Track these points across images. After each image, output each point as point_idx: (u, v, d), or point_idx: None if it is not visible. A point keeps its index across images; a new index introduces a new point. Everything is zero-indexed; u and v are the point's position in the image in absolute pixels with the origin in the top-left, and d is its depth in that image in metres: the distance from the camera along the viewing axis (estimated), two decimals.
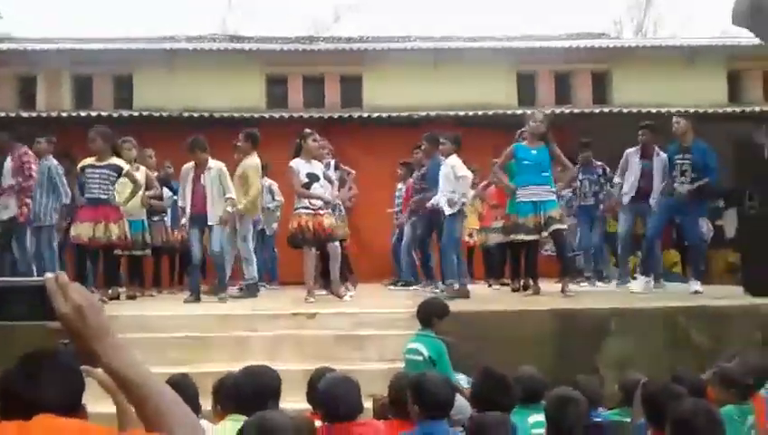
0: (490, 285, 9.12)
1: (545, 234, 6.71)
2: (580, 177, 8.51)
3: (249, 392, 2.84)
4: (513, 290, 7.73)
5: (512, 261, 8.15)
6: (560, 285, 6.84)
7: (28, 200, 7.24)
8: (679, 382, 3.44)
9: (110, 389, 1.63)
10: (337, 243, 7.18)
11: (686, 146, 6.93)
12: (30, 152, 7.32)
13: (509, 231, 7.13)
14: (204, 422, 3.20)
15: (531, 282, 7.15)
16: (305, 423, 2.86)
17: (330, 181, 7.41)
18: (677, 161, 6.92)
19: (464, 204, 7.10)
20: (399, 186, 9.58)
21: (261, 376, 2.93)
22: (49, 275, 1.24)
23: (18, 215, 7.17)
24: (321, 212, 6.83)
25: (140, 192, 7.35)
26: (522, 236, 6.77)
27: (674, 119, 7.05)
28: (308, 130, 7.22)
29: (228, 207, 7.12)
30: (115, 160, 6.97)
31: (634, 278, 7.49)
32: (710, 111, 11.79)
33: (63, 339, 1.27)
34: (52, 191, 7.40)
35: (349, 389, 3.02)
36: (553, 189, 6.80)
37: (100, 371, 1.68)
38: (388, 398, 3.49)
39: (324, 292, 7.39)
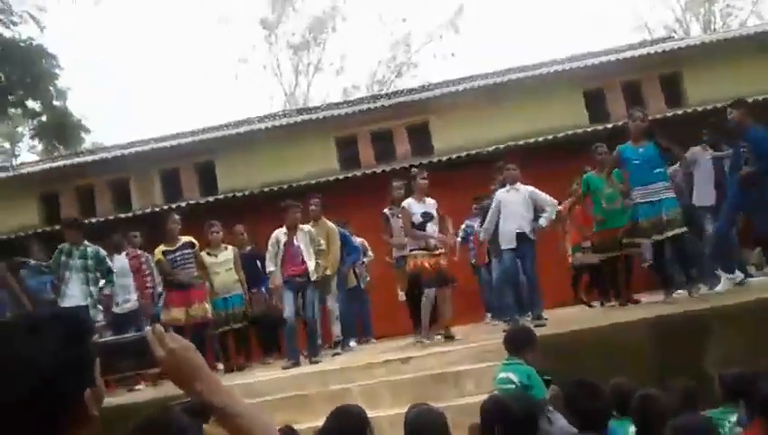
0: (590, 306, 8.86)
1: (661, 237, 6.39)
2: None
3: (339, 431, 2.96)
4: (621, 306, 7.28)
5: (605, 277, 7.88)
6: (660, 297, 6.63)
7: (148, 292, 7.93)
8: None
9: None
10: (454, 285, 7.13)
11: (743, 133, 6.60)
12: (140, 252, 7.97)
13: (609, 247, 7.01)
14: None
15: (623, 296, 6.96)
16: None
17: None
18: (741, 150, 6.60)
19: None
20: (468, 222, 9.63)
21: (345, 415, 3.06)
22: (147, 329, 1.45)
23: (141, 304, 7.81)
24: (437, 253, 6.87)
25: (231, 268, 7.73)
26: (639, 240, 6.57)
27: (729, 109, 6.79)
28: (416, 169, 7.37)
29: (321, 259, 7.34)
30: (186, 238, 7.36)
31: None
32: None
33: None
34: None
35: (433, 419, 3.10)
36: (670, 185, 6.55)
37: (206, 427, 1.88)
38: (480, 426, 3.52)
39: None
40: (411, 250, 6.91)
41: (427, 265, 6.74)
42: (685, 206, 7.94)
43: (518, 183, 7.25)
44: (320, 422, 3.37)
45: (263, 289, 8.79)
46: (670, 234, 6.31)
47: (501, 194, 7.23)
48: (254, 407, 1.51)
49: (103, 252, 7.67)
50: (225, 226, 8.84)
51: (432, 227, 6.93)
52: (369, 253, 9.52)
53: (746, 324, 5.19)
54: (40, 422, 1.20)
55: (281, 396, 5.44)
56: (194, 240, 7.41)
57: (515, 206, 7.08)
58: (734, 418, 3.68)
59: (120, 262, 7.98)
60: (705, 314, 5.37)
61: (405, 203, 7.01)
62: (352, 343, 8.58)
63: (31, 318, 1.30)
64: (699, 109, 11.54)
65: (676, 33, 24.23)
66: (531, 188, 7.22)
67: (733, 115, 6.66)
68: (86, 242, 7.69)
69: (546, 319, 6.78)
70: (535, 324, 6.04)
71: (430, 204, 7.10)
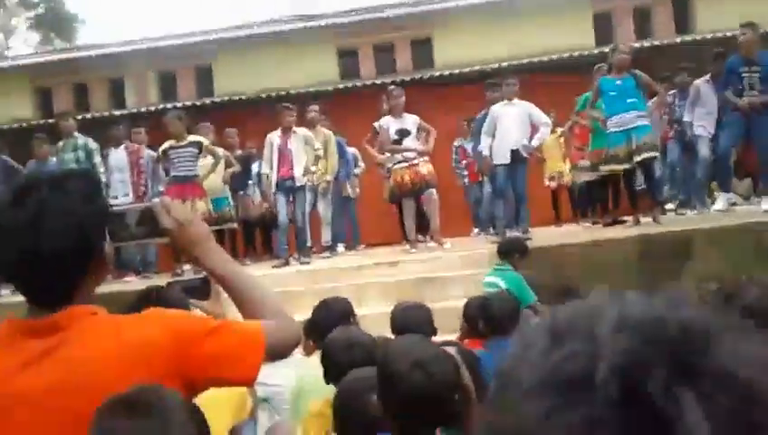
0: (579, 224, 9.01)
1: (631, 164, 6.50)
2: (678, 102, 8.16)
3: (325, 319, 3.08)
4: (605, 226, 7.48)
5: (600, 198, 8.01)
6: (649, 218, 6.74)
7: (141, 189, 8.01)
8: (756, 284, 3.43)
9: (212, 315, 1.89)
10: (433, 190, 7.18)
11: (752, 58, 6.57)
12: (137, 147, 8.00)
13: (598, 166, 7.04)
14: (298, 355, 3.51)
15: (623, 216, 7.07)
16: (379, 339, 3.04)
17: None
18: (744, 74, 6.55)
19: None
20: (458, 142, 9.70)
21: (331, 303, 3.19)
22: (155, 200, 1.52)
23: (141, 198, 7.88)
24: (415, 162, 7.01)
25: (220, 169, 7.74)
26: (612, 167, 6.64)
27: (740, 30, 6.70)
28: (392, 87, 7.42)
29: (312, 166, 7.42)
30: (194, 138, 7.35)
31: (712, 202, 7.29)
32: None
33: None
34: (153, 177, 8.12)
35: (420, 314, 3.22)
36: (644, 113, 6.59)
37: (204, 303, 1.97)
38: (463, 321, 3.67)
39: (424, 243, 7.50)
40: (393, 165, 7.09)
41: (406, 178, 6.93)
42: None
43: (515, 98, 7.21)
44: (307, 316, 3.50)
45: (249, 192, 8.90)
46: (639, 158, 6.38)
47: (497, 108, 7.19)
48: (255, 276, 1.59)
49: (93, 144, 7.68)
50: (221, 129, 8.85)
51: (409, 142, 7.05)
52: (361, 163, 9.56)
53: (728, 246, 5.31)
54: (76, 265, 1.31)
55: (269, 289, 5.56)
56: (202, 140, 7.41)
57: (511, 121, 7.04)
58: None
59: (117, 156, 8.00)
60: (688, 235, 5.49)
61: (381, 121, 7.15)
62: (340, 248, 8.73)
63: (47, 177, 1.36)
64: (708, 36, 11.36)
65: None
66: (528, 103, 7.18)
67: (747, 36, 6.57)
68: (77, 134, 7.70)
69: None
70: (522, 238, 6.16)
71: (409, 120, 7.17)
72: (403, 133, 7.07)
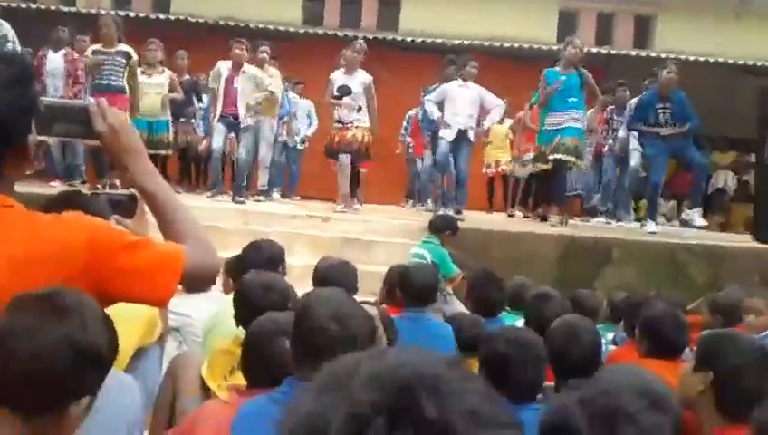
0: (511, 215, 9.18)
1: (550, 158, 6.65)
2: (615, 117, 8.29)
3: (254, 261, 3.06)
4: (537, 219, 7.59)
5: (534, 192, 8.24)
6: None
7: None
8: (661, 300, 3.61)
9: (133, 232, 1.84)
10: (347, 155, 7.03)
11: (667, 95, 6.71)
12: (77, 56, 7.47)
13: (535, 161, 7.24)
14: (217, 292, 3.48)
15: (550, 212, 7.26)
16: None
17: None
18: (659, 110, 6.67)
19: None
20: (412, 112, 9.66)
21: (264, 246, 3.16)
22: (91, 99, 1.45)
23: None
24: (348, 125, 6.94)
25: (162, 92, 7.48)
26: (539, 165, 6.81)
27: (670, 67, 6.82)
28: (356, 41, 7.30)
29: (260, 95, 7.26)
30: (124, 47, 6.87)
31: (640, 220, 7.57)
32: (752, 63, 11.57)
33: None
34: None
35: (346, 271, 3.25)
36: (579, 115, 6.71)
37: (128, 221, 1.92)
38: (384, 286, 3.72)
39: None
40: (333, 122, 7.09)
41: (336, 138, 6.94)
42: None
43: (471, 81, 7.25)
44: (231, 254, 3.47)
45: (192, 121, 8.65)
46: (552, 157, 6.59)
47: (452, 86, 7.20)
48: (183, 202, 1.55)
49: (10, 31, 6.89)
50: (170, 50, 8.52)
51: (347, 100, 6.95)
52: (314, 120, 9.41)
53: (644, 259, 5.56)
54: None
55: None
56: (132, 52, 7.00)
57: (464, 103, 7.09)
58: (610, 335, 4.01)
59: (55, 62, 7.46)
60: (610, 243, 5.71)
61: (332, 75, 7.06)
62: (275, 194, 8.66)
63: None
64: (663, 56, 11.66)
65: None
66: (480, 87, 7.22)
67: (671, 75, 6.70)
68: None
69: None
70: (455, 217, 6.24)
71: (357, 79, 7.03)
72: (343, 90, 6.96)
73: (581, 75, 6.69)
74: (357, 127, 7.01)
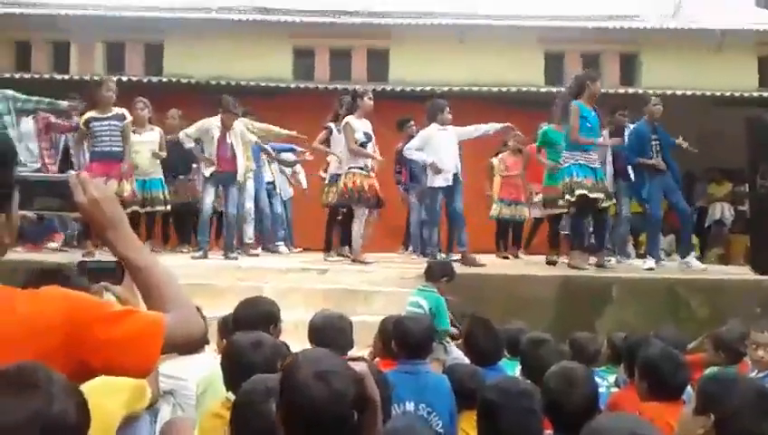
0: (506, 257, 9.06)
1: (602, 205, 6.48)
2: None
3: (246, 319, 3.02)
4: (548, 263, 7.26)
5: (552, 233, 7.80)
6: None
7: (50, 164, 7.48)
8: (660, 338, 3.56)
9: (124, 301, 1.82)
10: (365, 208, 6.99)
11: (654, 127, 6.85)
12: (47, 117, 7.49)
13: (556, 199, 6.89)
14: (211, 353, 3.43)
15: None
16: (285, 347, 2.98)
17: None
18: (653, 141, 6.76)
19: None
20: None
21: (257, 304, 3.13)
22: (71, 172, 1.45)
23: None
24: (372, 175, 6.86)
25: (153, 148, 7.51)
26: (582, 192, 6.28)
27: (655, 99, 6.93)
28: (364, 89, 7.24)
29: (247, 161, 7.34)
30: (118, 110, 6.91)
31: (641, 256, 7.53)
32: (737, 94, 11.71)
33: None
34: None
35: (340, 326, 3.21)
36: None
37: (117, 287, 1.91)
38: (378, 339, 3.67)
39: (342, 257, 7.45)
40: (350, 168, 6.84)
41: (364, 184, 6.74)
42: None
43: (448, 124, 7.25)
44: (225, 313, 3.43)
45: (195, 177, 8.66)
46: (604, 205, 6.47)
47: (433, 131, 7.16)
48: (167, 270, 1.54)
49: (11, 92, 7.14)
50: (164, 111, 8.62)
51: (371, 148, 6.92)
52: (300, 174, 9.44)
53: (644, 298, 5.52)
54: None
55: (188, 283, 5.42)
56: (127, 113, 7.05)
57: (449, 146, 7.11)
58: (612, 378, 3.94)
59: (27, 124, 7.47)
60: (608, 282, 5.67)
61: (349, 119, 6.87)
62: (283, 249, 8.63)
63: None
64: (650, 92, 11.78)
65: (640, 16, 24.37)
66: (453, 127, 7.24)
67: (658, 107, 6.81)
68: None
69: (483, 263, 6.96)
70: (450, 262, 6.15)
71: (369, 126, 7.03)
72: (368, 138, 6.88)
73: (599, 115, 6.69)
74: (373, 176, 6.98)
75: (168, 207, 7.90)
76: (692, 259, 6.64)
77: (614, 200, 6.81)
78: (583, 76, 6.87)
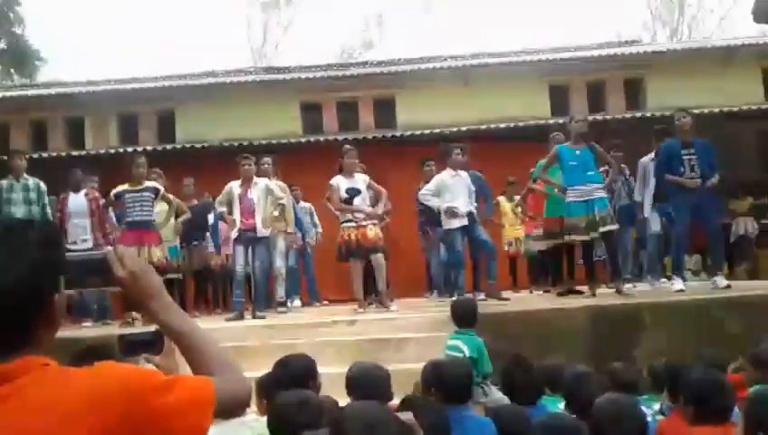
0: (532, 292, 9.14)
1: (595, 235, 6.59)
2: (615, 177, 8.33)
3: (285, 378, 3.03)
4: (559, 295, 7.40)
5: (553, 266, 8.05)
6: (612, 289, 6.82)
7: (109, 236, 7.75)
8: (701, 360, 3.53)
9: (166, 371, 1.86)
10: (380, 254, 7.12)
11: (689, 141, 6.74)
12: (98, 194, 7.80)
13: (553, 234, 7.20)
14: (252, 415, 3.43)
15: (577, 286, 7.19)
16: (333, 402, 2.98)
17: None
18: (685, 156, 6.69)
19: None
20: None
21: (293, 362, 3.13)
22: (109, 248, 1.51)
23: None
24: (363, 224, 7.00)
25: (172, 219, 7.72)
26: (574, 238, 6.70)
27: (678, 114, 6.91)
28: (347, 147, 7.42)
29: (276, 211, 7.48)
30: (151, 183, 7.31)
31: (668, 277, 7.45)
32: (744, 108, 11.71)
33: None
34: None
35: (378, 376, 3.20)
36: (601, 186, 6.74)
37: (156, 358, 1.95)
38: (420, 386, 3.65)
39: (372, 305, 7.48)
40: (341, 224, 7.13)
41: (352, 236, 6.95)
42: (624, 206, 8.22)
43: (460, 169, 7.44)
44: (260, 373, 3.43)
45: (204, 243, 8.80)
46: (602, 230, 6.51)
47: (445, 177, 7.34)
48: (208, 332, 1.58)
49: (43, 186, 7.49)
50: (180, 176, 8.80)
51: (359, 201, 7.09)
52: (317, 223, 9.56)
53: (678, 320, 5.45)
54: (18, 314, 1.27)
55: (223, 345, 5.44)
56: (159, 187, 7.35)
57: (461, 190, 7.26)
58: (656, 406, 3.89)
59: (77, 201, 7.67)
60: (640, 307, 5.62)
61: (332, 181, 7.20)
62: (296, 302, 8.65)
63: (3, 221, 1.35)
64: (657, 114, 11.85)
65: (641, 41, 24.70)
66: (466, 174, 7.44)
67: (686, 120, 6.79)
68: (26, 175, 7.50)
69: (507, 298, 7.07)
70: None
71: (359, 180, 7.22)
72: (353, 193, 7.10)
73: (593, 150, 6.77)
74: (371, 226, 7.08)
75: (180, 275, 8.15)
76: (719, 277, 6.56)
77: (617, 225, 6.76)
78: (567, 120, 7.14)
